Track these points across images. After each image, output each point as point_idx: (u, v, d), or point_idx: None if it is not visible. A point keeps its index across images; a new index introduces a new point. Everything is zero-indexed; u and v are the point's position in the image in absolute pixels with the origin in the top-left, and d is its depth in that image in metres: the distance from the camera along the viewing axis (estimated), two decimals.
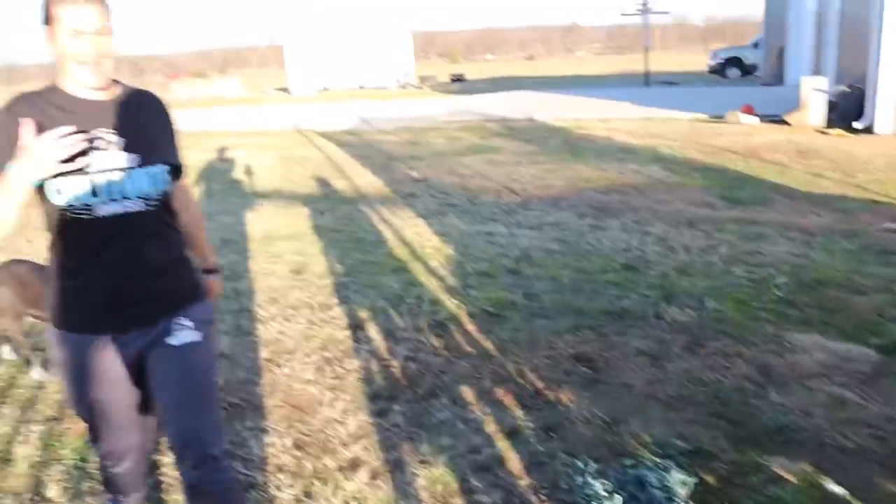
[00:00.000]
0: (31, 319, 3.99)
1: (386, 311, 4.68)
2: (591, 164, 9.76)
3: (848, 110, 11.85)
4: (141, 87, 2.16)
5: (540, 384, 3.67)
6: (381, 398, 3.61)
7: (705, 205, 7.28)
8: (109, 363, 2.04)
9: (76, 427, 3.35)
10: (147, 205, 1.99)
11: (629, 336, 4.17)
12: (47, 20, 1.88)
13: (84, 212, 1.91)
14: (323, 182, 9.22)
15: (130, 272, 1.99)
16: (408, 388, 3.69)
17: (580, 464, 2.76)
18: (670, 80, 28.30)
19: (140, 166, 1.97)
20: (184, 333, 2.09)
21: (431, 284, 5.19)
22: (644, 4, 28.05)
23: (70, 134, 1.82)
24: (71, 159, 1.84)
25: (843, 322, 4.30)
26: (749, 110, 13.53)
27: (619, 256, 5.65)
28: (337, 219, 7.23)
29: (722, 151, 10.35)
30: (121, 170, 1.94)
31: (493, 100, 21.62)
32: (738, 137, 11.51)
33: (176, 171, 2.13)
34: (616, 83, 28.88)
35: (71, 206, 1.90)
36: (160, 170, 2.02)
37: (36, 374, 3.90)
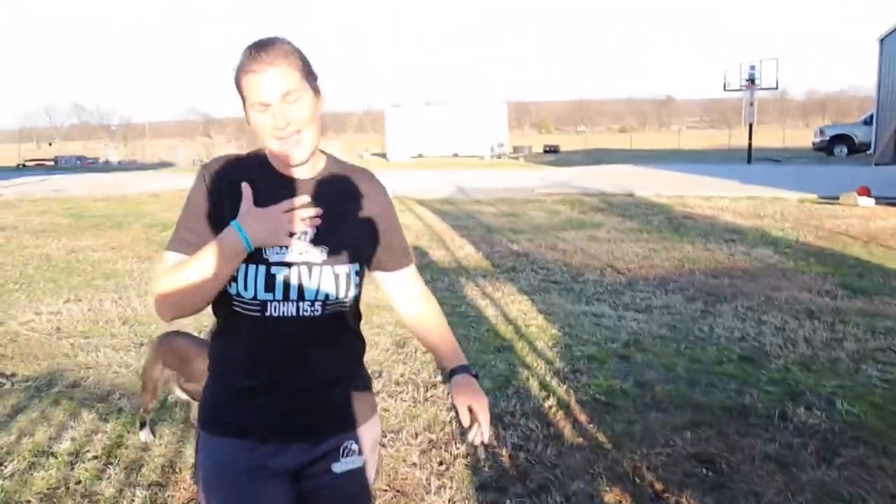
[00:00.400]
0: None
1: (492, 392, 4.56)
2: (697, 244, 9.47)
3: None
4: (354, 164, 1.88)
5: (659, 486, 3.46)
6: (489, 489, 3.47)
7: (825, 293, 6.89)
8: (266, 478, 1.72)
9: (180, 494, 3.35)
10: (325, 308, 1.68)
11: (753, 437, 3.90)
12: (238, 89, 1.63)
13: (252, 307, 1.65)
14: (422, 252, 9.28)
15: (299, 380, 1.71)
16: (518, 480, 3.54)
17: None
18: (774, 157, 27.56)
19: (326, 263, 1.67)
20: (350, 459, 1.80)
21: (538, 367, 5.05)
22: (750, 80, 27.53)
23: (300, 207, 1.60)
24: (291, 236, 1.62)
25: None
26: (866, 192, 12.93)
27: (734, 346, 5.37)
28: (438, 291, 7.21)
29: (838, 235, 9.89)
30: (305, 264, 1.66)
31: (589, 173, 21.54)
32: (854, 220, 10.99)
33: (397, 258, 1.86)
34: (716, 159, 28.37)
35: (240, 296, 1.64)
36: (350, 269, 1.71)
37: (143, 435, 3.94)
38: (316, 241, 1.67)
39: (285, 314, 1.65)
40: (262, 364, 1.69)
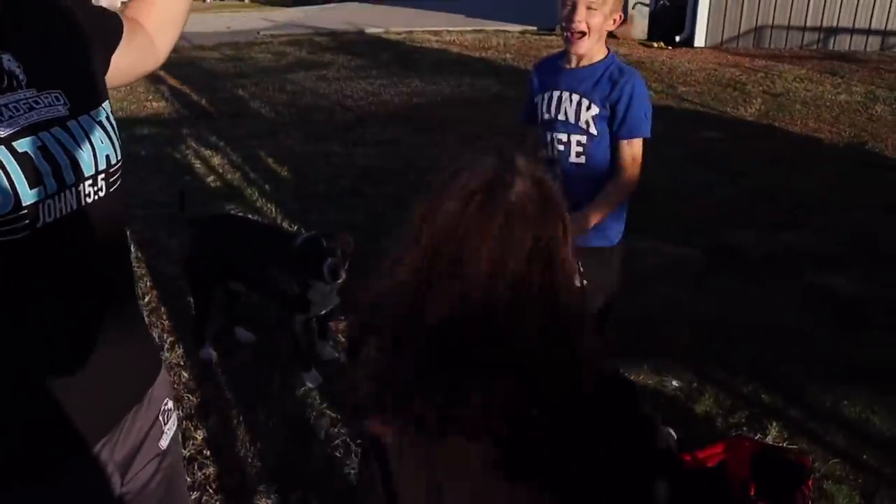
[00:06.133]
0: None
1: None
2: (426, 78, 9.60)
3: (669, 24, 12.37)
4: None
5: None
6: (224, 336, 3.40)
7: None
8: None
9: None
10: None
11: None
12: None
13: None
14: (139, 104, 8.44)
15: None
16: (255, 322, 3.51)
17: None
18: None
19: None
20: None
21: (268, 210, 4.93)
22: None
23: None
24: None
25: (673, 226, 4.54)
26: None
27: None
28: (157, 145, 6.66)
29: None
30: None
31: (320, 12, 20.72)
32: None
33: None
34: None
35: None
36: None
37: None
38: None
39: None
40: None
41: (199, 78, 10.07)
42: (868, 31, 11.35)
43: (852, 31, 11.41)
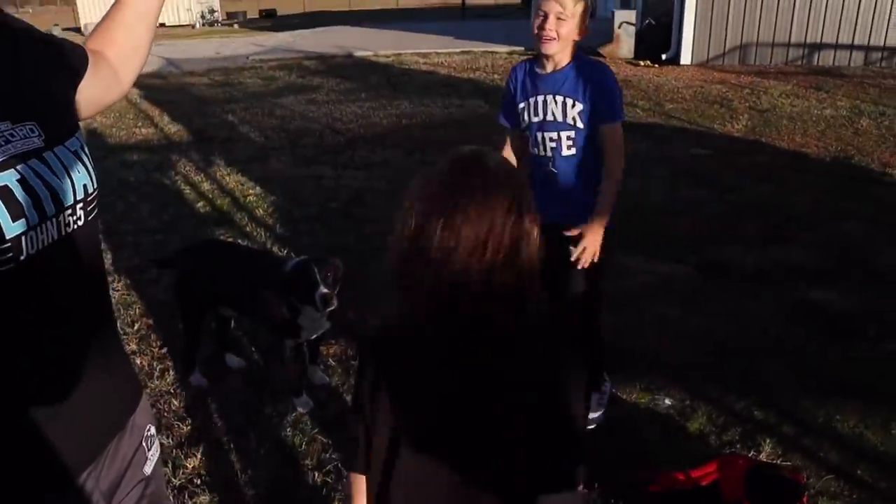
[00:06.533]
0: None
1: None
2: (414, 100, 9.65)
3: (655, 43, 12.49)
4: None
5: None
6: (215, 362, 3.38)
7: None
8: None
9: None
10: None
11: None
12: None
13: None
14: (128, 131, 8.45)
15: None
16: (245, 349, 3.49)
17: None
18: (486, 14, 28.62)
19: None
20: None
21: (258, 234, 4.92)
22: None
23: None
24: None
25: (664, 244, 4.55)
26: None
27: None
28: (147, 171, 6.66)
29: None
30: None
31: (309, 36, 20.84)
32: None
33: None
34: (434, 17, 28.78)
35: None
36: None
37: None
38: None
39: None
40: None
41: (188, 104, 10.10)
42: (851, 47, 11.48)
43: (836, 46, 11.54)
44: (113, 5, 1.40)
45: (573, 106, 2.52)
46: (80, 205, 1.13)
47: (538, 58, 2.58)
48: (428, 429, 1.17)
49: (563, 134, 2.56)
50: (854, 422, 2.88)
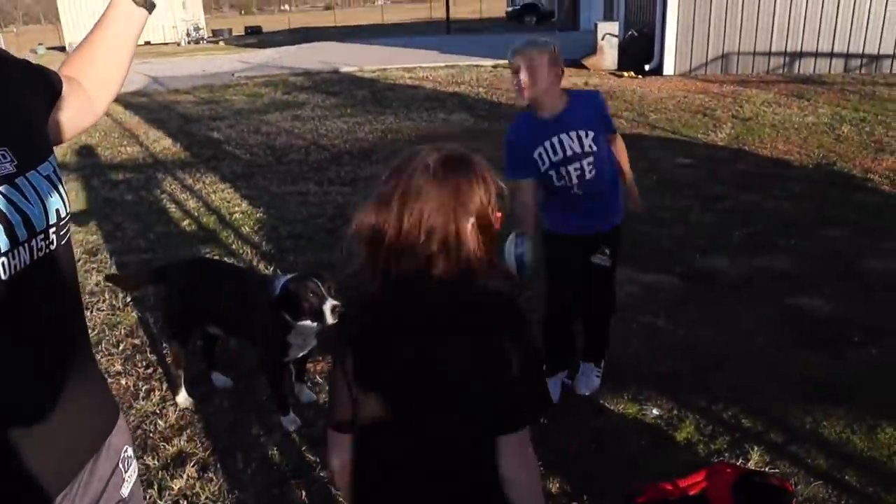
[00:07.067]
0: None
1: None
2: (400, 114, 9.68)
3: (638, 54, 12.60)
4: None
5: None
6: (201, 382, 3.36)
7: None
8: None
9: None
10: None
11: None
12: None
13: None
14: (113, 150, 8.43)
15: None
16: (232, 368, 3.47)
17: None
18: (471, 28, 28.78)
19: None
20: None
21: (244, 252, 4.91)
22: None
23: None
24: None
25: (650, 254, 4.57)
26: None
27: None
28: (133, 189, 6.65)
29: None
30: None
31: (294, 52, 20.89)
32: None
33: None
34: (419, 31, 28.93)
35: None
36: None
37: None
38: None
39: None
40: None
41: (174, 122, 10.10)
42: (831, 55, 11.61)
43: (816, 54, 11.67)
44: (91, 32, 1.41)
45: (587, 136, 2.82)
46: (53, 229, 1.14)
47: (531, 108, 2.84)
48: (391, 391, 1.31)
49: (584, 162, 2.84)
50: (841, 427, 2.89)
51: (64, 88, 1.30)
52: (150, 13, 1.43)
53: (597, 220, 2.95)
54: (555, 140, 2.82)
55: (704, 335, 3.63)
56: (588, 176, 2.86)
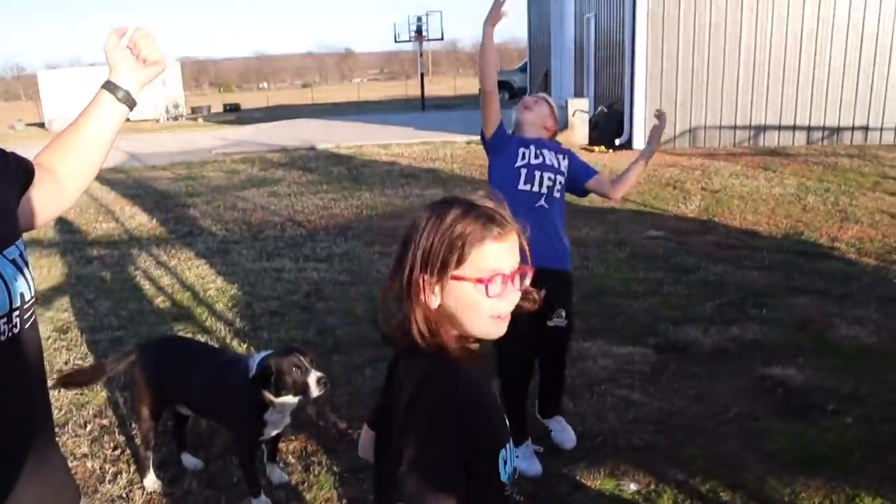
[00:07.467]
0: None
1: None
2: (375, 190, 9.79)
3: (608, 129, 12.94)
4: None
5: (342, 424, 3.54)
6: (170, 463, 3.28)
7: None
8: None
9: None
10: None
11: None
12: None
13: None
14: (88, 226, 8.40)
15: None
16: (202, 448, 3.39)
17: None
18: (446, 105, 29.44)
19: None
20: None
21: (218, 329, 4.86)
22: (417, 32, 29.04)
23: None
24: None
25: (623, 326, 4.60)
26: None
27: None
28: (106, 266, 6.60)
29: None
30: None
31: (272, 129, 21.18)
32: None
33: None
34: (394, 109, 29.52)
35: None
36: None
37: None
38: None
39: None
40: None
41: (150, 198, 10.12)
42: (794, 128, 12.01)
43: (779, 127, 12.07)
44: (73, 123, 1.45)
45: (563, 159, 3.19)
46: (17, 313, 1.15)
47: (520, 131, 3.28)
48: (381, 422, 1.45)
49: (558, 177, 3.12)
50: (820, 498, 2.87)
51: (35, 177, 1.33)
52: (130, 110, 1.46)
53: (545, 253, 2.70)
54: (536, 149, 3.14)
55: (680, 406, 3.63)
56: (556, 193, 3.12)
